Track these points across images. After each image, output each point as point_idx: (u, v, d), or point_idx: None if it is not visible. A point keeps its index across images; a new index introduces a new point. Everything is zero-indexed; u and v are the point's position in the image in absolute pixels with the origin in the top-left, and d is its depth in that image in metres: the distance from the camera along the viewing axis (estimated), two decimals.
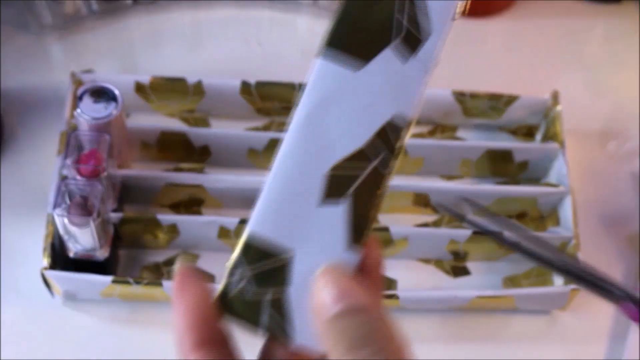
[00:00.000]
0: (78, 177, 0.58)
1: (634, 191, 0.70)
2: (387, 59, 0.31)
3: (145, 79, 0.68)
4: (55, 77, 0.72)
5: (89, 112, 0.60)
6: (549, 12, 0.82)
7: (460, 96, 0.69)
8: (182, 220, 0.62)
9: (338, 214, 0.30)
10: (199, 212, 0.66)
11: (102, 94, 0.61)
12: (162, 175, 0.64)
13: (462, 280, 0.65)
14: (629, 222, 0.69)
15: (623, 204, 0.70)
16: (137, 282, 0.58)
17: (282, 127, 0.71)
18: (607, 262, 0.65)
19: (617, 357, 0.61)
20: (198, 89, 0.68)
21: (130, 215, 0.62)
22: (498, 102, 0.69)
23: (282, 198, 0.30)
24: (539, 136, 0.71)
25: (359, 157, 0.30)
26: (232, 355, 0.29)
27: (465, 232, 0.63)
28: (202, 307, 0.29)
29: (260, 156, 0.67)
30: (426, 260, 0.66)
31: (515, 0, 0.81)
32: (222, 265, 0.31)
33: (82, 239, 0.57)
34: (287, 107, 0.70)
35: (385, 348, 0.26)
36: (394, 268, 0.64)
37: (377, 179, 0.30)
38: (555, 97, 0.69)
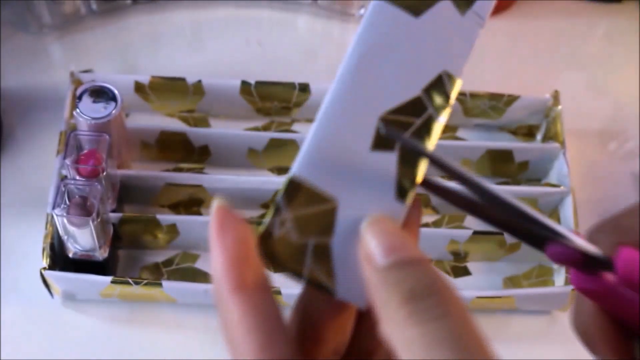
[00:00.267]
0: (77, 177, 0.58)
1: (634, 191, 0.70)
2: (446, 8, 0.30)
3: (145, 78, 0.68)
4: (55, 76, 0.72)
5: (89, 112, 0.60)
6: (549, 12, 0.81)
7: (460, 96, 0.69)
8: (182, 220, 0.62)
9: (389, 162, 0.28)
10: (198, 212, 0.66)
11: (101, 94, 0.61)
12: (161, 175, 0.64)
13: (463, 280, 0.65)
14: None
15: (624, 203, 0.70)
16: (137, 283, 0.58)
17: (282, 127, 0.71)
18: None
19: None
20: (198, 89, 0.68)
21: (129, 215, 0.62)
22: (498, 102, 0.69)
23: (330, 143, 0.28)
24: (539, 136, 0.71)
25: (414, 104, 0.29)
26: (274, 304, 0.26)
27: (465, 232, 0.63)
28: (245, 247, 0.26)
29: (260, 156, 0.67)
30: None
31: (515, 0, 0.81)
32: None
33: (82, 239, 0.57)
34: (287, 107, 0.70)
35: (445, 300, 0.25)
36: None
37: (430, 129, 0.29)
38: (555, 97, 0.69)
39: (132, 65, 0.75)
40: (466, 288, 0.64)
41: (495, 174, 0.69)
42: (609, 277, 0.29)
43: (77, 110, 0.60)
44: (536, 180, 0.70)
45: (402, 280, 0.25)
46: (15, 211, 0.65)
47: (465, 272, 0.65)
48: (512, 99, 0.69)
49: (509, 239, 0.64)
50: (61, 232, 0.57)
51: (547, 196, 0.66)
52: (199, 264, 0.64)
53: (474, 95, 0.69)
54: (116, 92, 0.61)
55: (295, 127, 0.71)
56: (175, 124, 0.70)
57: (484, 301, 0.60)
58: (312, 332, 0.28)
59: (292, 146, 0.66)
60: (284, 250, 0.28)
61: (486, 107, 0.70)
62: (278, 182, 0.65)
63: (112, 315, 0.61)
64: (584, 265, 0.29)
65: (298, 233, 0.28)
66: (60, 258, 0.59)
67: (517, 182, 0.69)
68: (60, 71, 0.71)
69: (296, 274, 0.28)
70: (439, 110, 0.29)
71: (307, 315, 0.29)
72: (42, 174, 0.64)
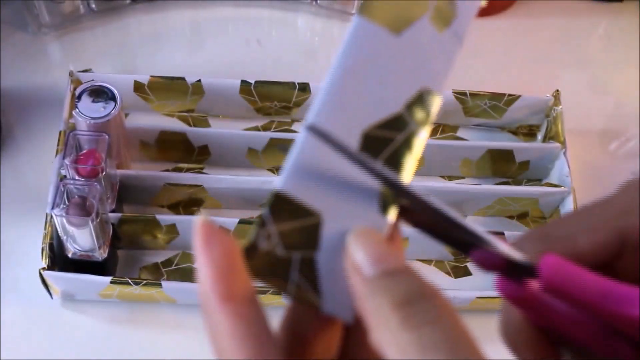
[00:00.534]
0: (77, 177, 0.57)
1: None
2: (425, 27, 0.31)
3: (145, 78, 0.68)
4: (54, 76, 0.72)
5: (88, 111, 0.60)
6: (549, 12, 0.81)
7: (460, 96, 0.69)
8: (182, 220, 0.62)
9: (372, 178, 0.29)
10: (198, 213, 0.66)
11: (100, 94, 0.61)
12: (161, 175, 0.64)
13: (463, 280, 0.65)
14: None
15: None
16: (136, 283, 0.58)
17: (281, 127, 0.71)
18: None
19: None
20: (197, 89, 0.68)
21: (129, 215, 0.62)
22: (499, 102, 0.69)
23: (314, 158, 0.29)
24: (540, 136, 0.71)
25: (396, 120, 0.30)
26: (262, 315, 0.27)
27: None
28: (232, 259, 0.27)
29: (260, 156, 0.67)
30: (427, 261, 0.66)
31: (515, 0, 0.81)
32: None
33: (81, 239, 0.57)
34: (286, 107, 0.70)
35: (437, 304, 0.25)
36: None
37: (411, 144, 0.30)
38: (556, 97, 0.69)
39: (132, 64, 0.75)
40: (466, 288, 0.64)
41: (496, 174, 0.69)
42: (533, 284, 0.29)
43: (77, 110, 0.60)
44: (537, 180, 0.70)
45: (392, 287, 0.26)
46: (15, 211, 0.65)
47: (466, 272, 0.65)
48: (512, 98, 0.69)
49: (509, 239, 0.63)
50: (60, 232, 0.57)
51: (548, 196, 0.66)
52: None
53: (474, 95, 0.69)
54: (115, 91, 0.61)
55: (295, 127, 0.71)
56: (174, 124, 0.70)
57: (484, 301, 0.60)
58: (300, 346, 0.29)
59: (292, 146, 0.66)
60: (269, 264, 0.28)
61: (487, 106, 0.70)
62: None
63: (111, 315, 0.61)
64: (508, 272, 0.29)
65: (283, 247, 0.28)
66: (59, 258, 0.59)
67: (517, 182, 0.69)
68: (59, 71, 0.71)
69: (281, 288, 0.28)
70: (420, 125, 0.30)
71: (294, 330, 0.29)
72: (41, 173, 0.64)
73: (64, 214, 0.55)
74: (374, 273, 0.26)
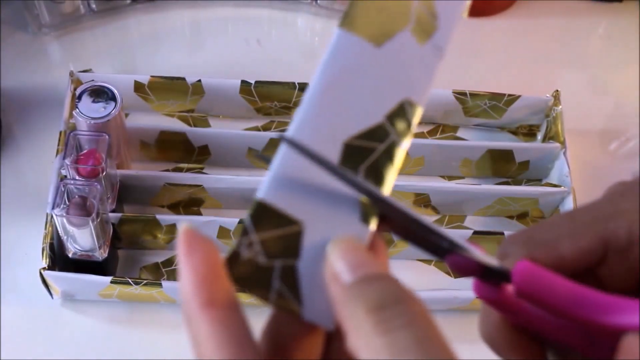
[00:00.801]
0: (77, 177, 0.57)
1: None
2: (406, 39, 0.31)
3: (145, 78, 0.68)
4: (54, 76, 0.72)
5: (88, 111, 0.60)
6: (549, 12, 0.81)
7: (460, 96, 0.69)
8: (182, 220, 0.62)
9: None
10: (198, 212, 0.66)
11: (101, 94, 0.61)
12: (161, 175, 0.64)
13: (463, 280, 0.65)
14: None
15: None
16: (136, 283, 0.58)
17: (282, 127, 0.71)
18: None
19: None
20: (197, 89, 0.68)
21: (129, 215, 0.62)
22: (499, 102, 0.69)
23: (296, 167, 0.29)
24: (540, 136, 0.71)
25: (377, 131, 0.30)
26: (244, 321, 0.27)
27: (465, 232, 0.63)
28: (213, 266, 0.27)
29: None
30: (427, 261, 0.66)
31: (515, 0, 0.81)
32: None
33: (81, 239, 0.57)
34: (286, 107, 0.70)
35: (410, 309, 0.25)
36: (394, 268, 0.64)
37: (393, 154, 0.30)
38: (556, 97, 0.69)
39: (132, 65, 0.75)
40: (466, 288, 0.64)
41: (496, 174, 0.69)
42: (509, 288, 0.30)
43: (77, 110, 0.60)
44: (537, 180, 0.70)
45: (367, 293, 0.26)
46: (15, 211, 0.65)
47: None
48: (512, 98, 0.69)
49: None
50: (61, 232, 0.57)
51: (547, 196, 0.66)
52: None
53: (474, 95, 0.69)
54: (116, 91, 0.61)
55: None
56: (174, 124, 0.70)
57: None
58: (281, 353, 0.29)
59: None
60: (251, 272, 0.28)
61: (486, 107, 0.70)
62: None
63: (111, 315, 0.61)
64: (483, 276, 0.30)
65: (265, 255, 0.28)
66: (59, 258, 0.59)
67: (517, 182, 0.69)
68: (59, 71, 0.71)
69: (263, 296, 0.28)
70: (401, 136, 0.30)
71: (277, 337, 0.29)
72: (42, 174, 0.64)
73: (64, 214, 0.55)
74: (351, 280, 0.27)
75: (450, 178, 0.70)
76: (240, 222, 0.61)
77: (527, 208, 0.67)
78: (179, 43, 0.77)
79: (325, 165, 0.29)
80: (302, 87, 0.68)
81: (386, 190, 0.30)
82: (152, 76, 0.68)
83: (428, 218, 0.29)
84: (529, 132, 0.72)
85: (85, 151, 0.59)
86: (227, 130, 0.67)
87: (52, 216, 0.57)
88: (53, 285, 0.59)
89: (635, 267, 0.30)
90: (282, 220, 0.29)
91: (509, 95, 0.69)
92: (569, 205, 0.65)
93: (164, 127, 0.66)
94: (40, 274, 0.58)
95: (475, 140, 0.71)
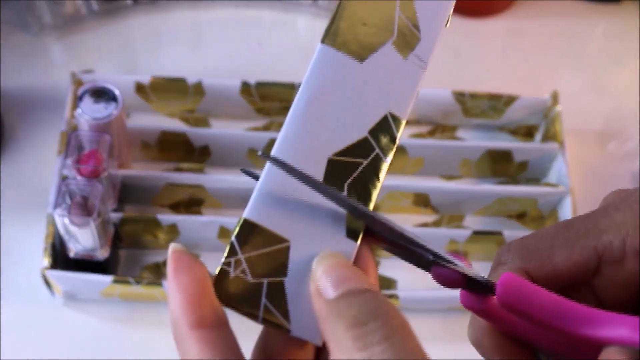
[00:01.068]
0: (78, 177, 0.58)
1: None
2: (388, 52, 0.31)
3: (146, 79, 0.68)
4: (56, 77, 0.72)
5: (89, 112, 0.60)
6: (549, 12, 0.81)
7: (460, 96, 0.69)
8: (182, 220, 0.62)
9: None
10: (199, 212, 0.66)
11: (102, 94, 0.61)
12: (162, 175, 0.64)
13: None
14: None
15: None
16: (138, 282, 0.58)
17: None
18: None
19: None
20: (198, 89, 0.68)
21: (130, 215, 0.62)
22: (498, 102, 0.69)
23: (281, 185, 0.29)
24: (538, 136, 0.71)
25: (361, 145, 0.30)
26: (233, 340, 0.27)
27: (465, 232, 0.63)
28: (201, 286, 0.27)
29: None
30: None
31: (515, 0, 0.81)
32: None
33: (83, 239, 0.57)
34: (287, 107, 0.70)
35: (388, 323, 0.26)
36: (394, 268, 0.64)
37: (378, 169, 0.30)
38: (555, 97, 0.69)
39: (133, 65, 0.75)
40: None
41: (495, 174, 0.70)
42: (494, 299, 0.30)
43: (78, 110, 0.60)
44: (535, 180, 0.70)
45: (347, 309, 0.26)
46: (16, 211, 0.65)
47: None
48: (511, 99, 0.69)
49: (508, 238, 0.64)
50: (62, 232, 0.57)
51: (546, 196, 0.66)
52: None
53: (473, 96, 0.69)
54: (117, 92, 0.61)
55: None
56: (175, 124, 0.70)
57: None
58: None
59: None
60: (239, 291, 0.29)
61: (486, 107, 0.70)
62: None
63: (112, 314, 0.61)
64: (467, 287, 0.30)
65: (252, 273, 0.29)
66: (61, 258, 0.60)
67: (516, 182, 0.70)
68: (61, 71, 0.71)
69: (251, 313, 0.29)
70: (385, 150, 0.30)
71: (267, 353, 0.30)
72: (43, 174, 0.65)
73: (65, 214, 0.55)
74: (334, 295, 0.27)
75: (450, 178, 0.70)
76: None
77: (526, 208, 0.67)
78: (180, 44, 0.77)
79: (309, 182, 0.29)
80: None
81: (371, 204, 0.30)
82: (153, 77, 0.68)
83: (413, 230, 0.29)
84: (528, 133, 0.72)
85: (86, 151, 0.59)
86: (227, 130, 0.67)
87: (53, 216, 0.57)
88: (55, 285, 0.59)
89: (629, 279, 0.30)
90: (268, 238, 0.29)
91: (508, 95, 0.69)
92: (567, 205, 0.65)
93: (164, 127, 0.67)
94: (42, 273, 0.58)
95: (475, 140, 0.71)
